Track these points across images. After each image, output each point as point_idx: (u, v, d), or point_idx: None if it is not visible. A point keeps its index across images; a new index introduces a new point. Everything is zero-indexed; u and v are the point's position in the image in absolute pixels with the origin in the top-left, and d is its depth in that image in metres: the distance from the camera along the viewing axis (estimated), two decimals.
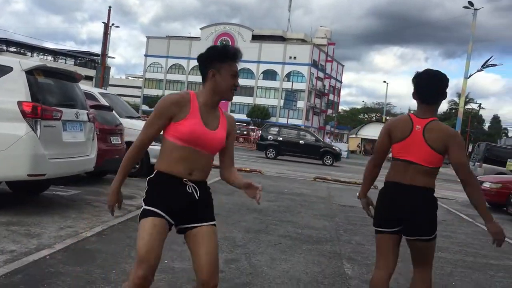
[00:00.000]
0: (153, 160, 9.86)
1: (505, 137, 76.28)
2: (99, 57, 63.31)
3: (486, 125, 79.37)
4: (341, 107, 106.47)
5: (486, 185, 11.97)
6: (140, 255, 2.38)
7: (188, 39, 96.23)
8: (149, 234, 2.40)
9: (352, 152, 56.77)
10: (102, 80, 20.37)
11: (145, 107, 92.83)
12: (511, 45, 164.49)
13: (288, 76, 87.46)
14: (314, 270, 4.74)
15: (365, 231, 7.00)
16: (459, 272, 5.30)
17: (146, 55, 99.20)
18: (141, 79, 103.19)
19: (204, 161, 2.57)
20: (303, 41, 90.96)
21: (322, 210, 8.54)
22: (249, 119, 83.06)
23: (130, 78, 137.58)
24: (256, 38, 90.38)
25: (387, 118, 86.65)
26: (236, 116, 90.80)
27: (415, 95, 3.11)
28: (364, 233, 6.82)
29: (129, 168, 2.60)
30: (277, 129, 25.97)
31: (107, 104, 9.16)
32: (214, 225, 2.60)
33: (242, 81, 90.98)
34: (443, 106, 77.05)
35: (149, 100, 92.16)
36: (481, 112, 79.98)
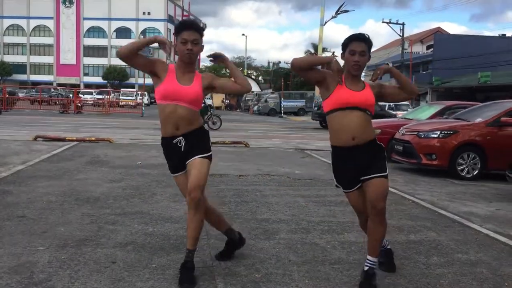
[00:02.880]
0: None
1: None
2: None
3: None
4: (203, 64, 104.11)
5: None
6: (184, 193, 3.36)
7: None
8: (179, 184, 3.43)
9: (217, 108, 55.41)
10: None
11: None
12: None
13: (144, 33, 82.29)
14: None
15: (244, 213, 5.12)
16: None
17: None
18: None
19: (186, 113, 3.25)
20: None
21: None
22: (105, 81, 76.96)
23: None
24: None
25: (249, 72, 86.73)
26: (91, 79, 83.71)
27: None
28: (243, 217, 4.93)
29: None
30: None
31: None
32: (204, 156, 3.32)
33: (93, 41, 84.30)
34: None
35: None
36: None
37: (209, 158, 3.33)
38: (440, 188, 7.31)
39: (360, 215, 3.37)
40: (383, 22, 46.49)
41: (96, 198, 5.46)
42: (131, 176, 7.10)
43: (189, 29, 3.26)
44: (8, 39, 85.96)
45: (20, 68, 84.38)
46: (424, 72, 51.04)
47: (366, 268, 3.18)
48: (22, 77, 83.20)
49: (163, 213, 4.95)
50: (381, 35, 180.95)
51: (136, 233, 4.22)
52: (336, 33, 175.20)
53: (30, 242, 3.81)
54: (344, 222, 4.90)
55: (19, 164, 7.62)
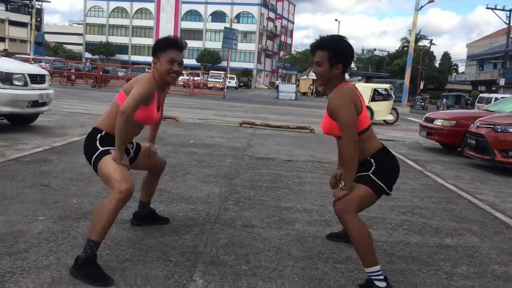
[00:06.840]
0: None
1: (455, 73, 75.98)
2: (32, 1, 57.87)
3: (437, 62, 78.74)
4: (297, 49, 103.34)
5: (438, 123, 10.03)
6: (119, 178, 2.83)
7: None
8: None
9: (304, 93, 54.88)
10: None
11: (88, 55, 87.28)
12: None
13: (238, 17, 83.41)
14: None
15: (269, 199, 4.80)
16: (400, 270, 3.17)
17: None
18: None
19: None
20: None
21: (223, 168, 6.27)
22: (199, 64, 79.24)
23: (74, 24, 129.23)
24: None
25: None
26: (186, 61, 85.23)
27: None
28: (265, 203, 4.61)
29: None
30: None
31: None
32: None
33: (189, 24, 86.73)
34: (396, 45, 75.50)
35: (92, 47, 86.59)
36: (433, 49, 79.24)
37: None
38: (510, 189, 6.46)
39: None
40: (487, 8, 43.07)
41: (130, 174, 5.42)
42: (176, 154, 7.04)
43: (180, 49, 3.02)
44: (113, 21, 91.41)
45: (123, 48, 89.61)
46: None
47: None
48: (124, 57, 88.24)
49: (184, 193, 4.78)
50: (491, 23, 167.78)
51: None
52: (441, 20, 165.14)
53: (35, 211, 3.80)
54: (374, 217, 4.42)
55: (76, 136, 7.86)
